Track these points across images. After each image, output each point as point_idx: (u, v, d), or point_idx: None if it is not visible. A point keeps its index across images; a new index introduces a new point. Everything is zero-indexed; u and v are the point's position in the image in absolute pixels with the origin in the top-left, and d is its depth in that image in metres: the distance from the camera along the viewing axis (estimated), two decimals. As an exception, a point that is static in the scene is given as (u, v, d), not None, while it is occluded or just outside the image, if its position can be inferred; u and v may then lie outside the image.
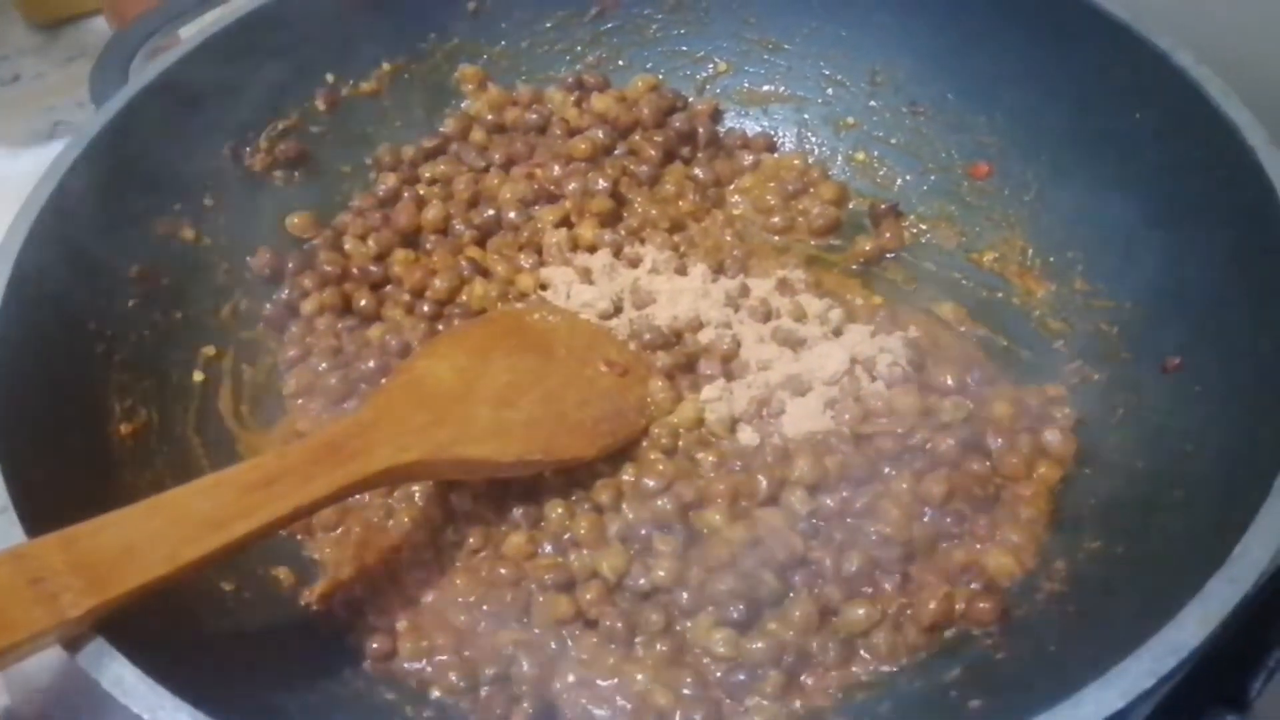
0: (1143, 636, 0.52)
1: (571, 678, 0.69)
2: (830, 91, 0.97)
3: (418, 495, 0.77)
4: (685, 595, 0.71)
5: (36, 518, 0.58)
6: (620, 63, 1.00)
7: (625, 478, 0.77)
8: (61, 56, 1.25)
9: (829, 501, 0.74)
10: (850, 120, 0.97)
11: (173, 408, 0.79)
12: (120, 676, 0.53)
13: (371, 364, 0.84)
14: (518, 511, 0.76)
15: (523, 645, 0.70)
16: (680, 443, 0.79)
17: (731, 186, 0.97)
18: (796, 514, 0.73)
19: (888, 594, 0.71)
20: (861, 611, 0.70)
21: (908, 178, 0.94)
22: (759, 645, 0.68)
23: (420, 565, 0.75)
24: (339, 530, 0.77)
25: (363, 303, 0.88)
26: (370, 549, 0.75)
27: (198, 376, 0.82)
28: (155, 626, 0.58)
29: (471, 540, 0.75)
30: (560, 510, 0.75)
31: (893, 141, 0.95)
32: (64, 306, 0.73)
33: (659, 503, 0.74)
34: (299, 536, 0.76)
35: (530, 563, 0.74)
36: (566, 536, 0.74)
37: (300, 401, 0.84)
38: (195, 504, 0.60)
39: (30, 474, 0.61)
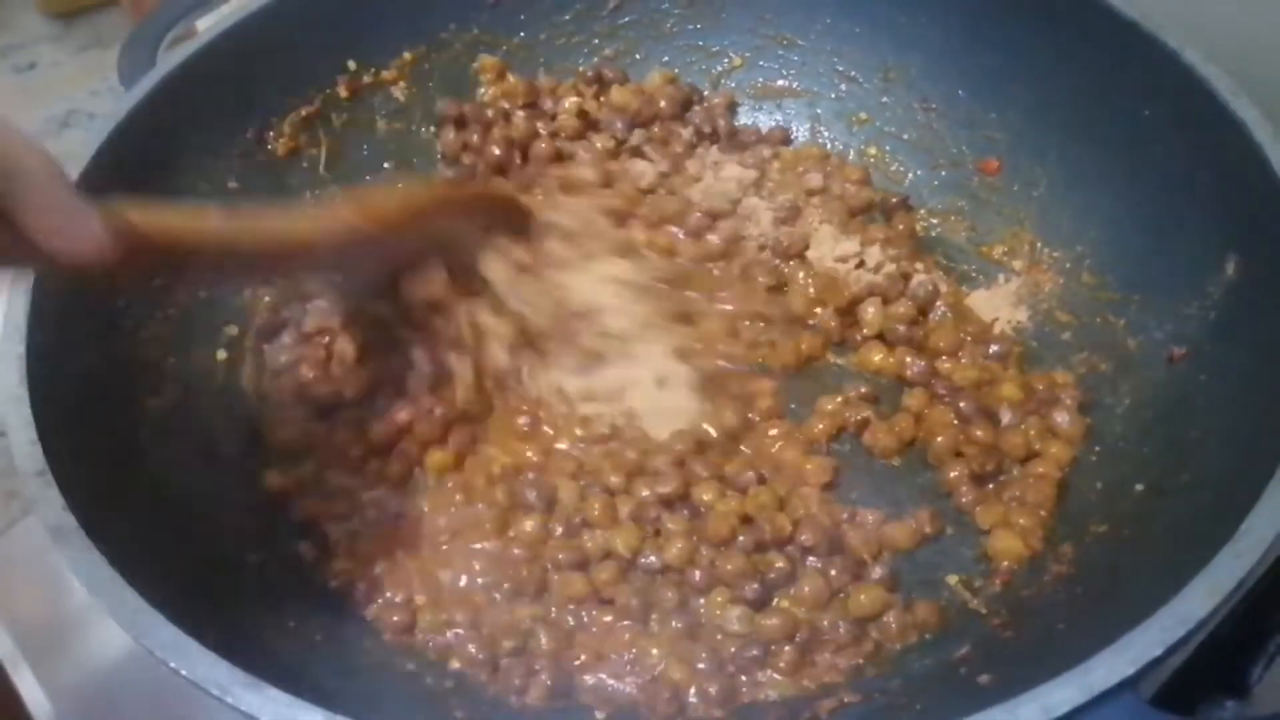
0: (1150, 613, 0.53)
1: (588, 653, 0.70)
2: (843, 87, 0.98)
3: (432, 479, 0.79)
4: (698, 574, 0.72)
5: (71, 482, 0.60)
6: (637, 56, 1.01)
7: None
8: (76, 46, 1.26)
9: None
10: (863, 115, 0.98)
11: (196, 384, 0.80)
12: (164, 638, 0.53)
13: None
14: (531, 495, 0.77)
15: (540, 621, 0.71)
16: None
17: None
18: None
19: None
20: (871, 594, 0.71)
21: (919, 172, 0.95)
22: (773, 622, 0.69)
23: (437, 548, 0.76)
24: (355, 518, 0.77)
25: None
26: (387, 532, 0.76)
27: (221, 355, 0.83)
28: (184, 593, 0.59)
29: (488, 525, 0.76)
30: (573, 493, 0.76)
31: (905, 137, 0.96)
32: (93, 284, 0.74)
33: (669, 485, 0.75)
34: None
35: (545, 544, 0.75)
36: (578, 519, 0.76)
37: (318, 379, 0.85)
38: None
39: (64, 442, 0.62)
